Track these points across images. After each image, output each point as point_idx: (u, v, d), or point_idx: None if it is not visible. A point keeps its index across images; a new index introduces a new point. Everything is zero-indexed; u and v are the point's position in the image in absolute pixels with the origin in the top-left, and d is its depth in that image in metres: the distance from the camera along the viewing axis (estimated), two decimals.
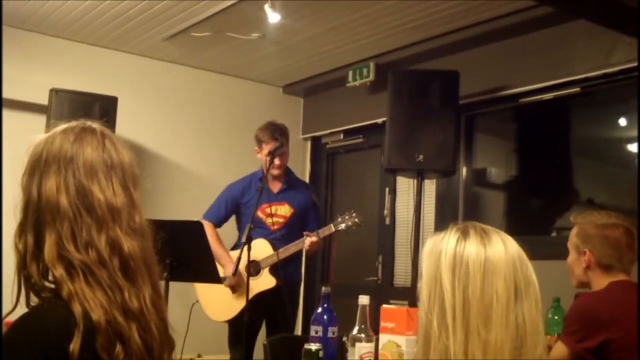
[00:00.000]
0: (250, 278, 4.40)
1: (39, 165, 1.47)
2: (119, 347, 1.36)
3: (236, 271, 4.35)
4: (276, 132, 4.65)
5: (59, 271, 1.39)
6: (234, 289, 4.48)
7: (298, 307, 4.98)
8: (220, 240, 4.71)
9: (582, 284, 2.94)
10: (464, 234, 1.48)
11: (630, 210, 4.10)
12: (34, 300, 1.42)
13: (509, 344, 1.39)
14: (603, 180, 4.95)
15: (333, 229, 4.48)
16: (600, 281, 2.84)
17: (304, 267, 5.18)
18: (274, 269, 4.49)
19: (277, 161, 4.63)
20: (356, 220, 4.47)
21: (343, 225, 4.47)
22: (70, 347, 1.31)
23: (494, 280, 1.42)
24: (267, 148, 4.60)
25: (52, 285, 1.41)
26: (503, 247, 1.46)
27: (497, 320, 1.39)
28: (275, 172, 4.69)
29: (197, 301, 4.52)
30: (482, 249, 1.45)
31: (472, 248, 1.45)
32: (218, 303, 4.50)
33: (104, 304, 1.37)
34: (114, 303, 1.39)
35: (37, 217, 1.43)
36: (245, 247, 4.00)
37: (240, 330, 4.36)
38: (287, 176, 4.82)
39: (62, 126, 1.54)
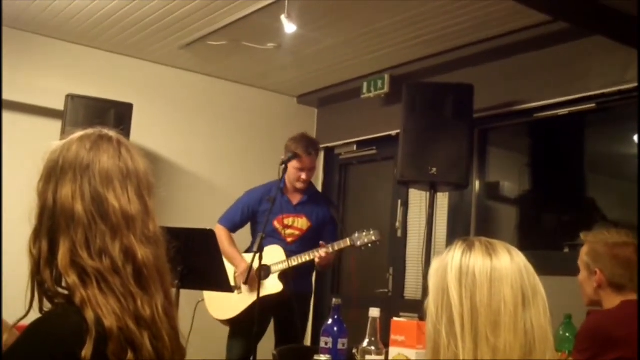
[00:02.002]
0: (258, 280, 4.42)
1: (55, 172, 1.48)
2: (130, 355, 1.37)
3: (247, 279, 4.35)
4: (311, 147, 4.64)
5: (72, 278, 1.39)
6: (240, 289, 4.49)
7: (308, 319, 4.96)
8: (234, 242, 4.71)
9: (593, 303, 2.92)
10: (469, 247, 1.49)
11: None
12: (47, 305, 1.43)
13: (518, 350, 1.40)
14: (617, 196, 4.93)
15: (349, 243, 4.43)
16: (611, 300, 2.82)
17: (314, 279, 5.15)
18: (286, 280, 4.48)
19: (304, 176, 4.62)
20: (373, 237, 4.42)
21: (359, 242, 4.41)
22: (82, 353, 1.31)
23: (501, 288, 1.43)
24: (298, 162, 4.58)
25: (66, 292, 1.42)
26: (509, 257, 1.47)
27: (505, 326, 1.40)
28: (300, 185, 4.67)
29: (202, 299, 4.51)
30: (488, 260, 1.46)
31: (478, 259, 1.46)
32: (222, 301, 4.49)
33: (116, 311, 1.38)
34: (126, 310, 1.39)
35: (52, 223, 1.44)
36: (257, 256, 4.01)
37: (239, 330, 4.46)
38: (309, 189, 4.79)
39: (79, 133, 1.55)
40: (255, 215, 4.71)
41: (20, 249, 1.52)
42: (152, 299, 1.44)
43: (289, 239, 4.63)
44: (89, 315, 1.35)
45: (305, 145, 4.61)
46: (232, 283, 4.41)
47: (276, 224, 4.60)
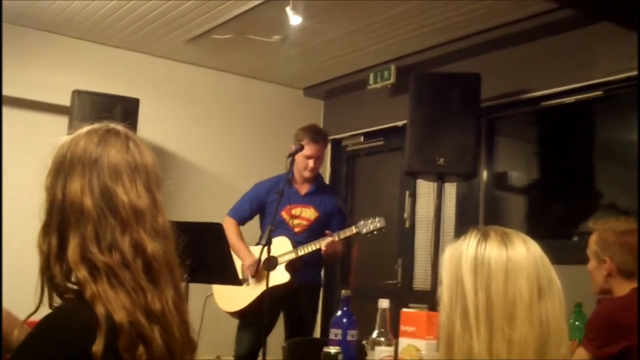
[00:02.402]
0: (265, 271, 4.42)
1: (64, 167, 1.47)
2: (141, 349, 1.36)
3: (256, 272, 4.36)
4: (318, 136, 4.65)
5: (82, 273, 1.39)
6: (248, 282, 4.50)
7: (317, 311, 4.96)
8: (241, 235, 4.72)
9: (603, 291, 2.92)
10: (484, 236, 1.48)
11: None
12: (57, 301, 1.43)
13: (533, 342, 1.38)
14: (625, 184, 4.91)
15: (354, 231, 4.43)
16: (622, 288, 2.82)
17: (323, 271, 5.15)
18: (293, 270, 4.48)
19: (311, 164, 4.63)
20: (378, 224, 4.42)
21: (365, 229, 4.42)
22: (93, 348, 1.31)
23: (516, 279, 1.41)
24: (305, 150, 4.58)
25: (76, 287, 1.42)
26: (524, 247, 1.46)
27: (521, 318, 1.39)
28: (307, 174, 4.67)
29: (211, 294, 4.54)
30: (503, 250, 1.44)
31: (493, 249, 1.45)
32: (230, 294, 4.51)
33: (126, 305, 1.37)
34: (136, 305, 1.38)
35: (61, 218, 1.43)
36: (265, 248, 4.02)
37: (248, 322, 4.50)
38: (316, 180, 4.79)
39: (86, 128, 1.54)
40: (263, 207, 4.73)
41: (30, 244, 1.52)
42: (162, 293, 1.44)
43: (297, 229, 4.63)
44: (100, 310, 1.35)
45: (312, 133, 4.63)
46: (240, 276, 4.43)
47: (284, 214, 4.61)
